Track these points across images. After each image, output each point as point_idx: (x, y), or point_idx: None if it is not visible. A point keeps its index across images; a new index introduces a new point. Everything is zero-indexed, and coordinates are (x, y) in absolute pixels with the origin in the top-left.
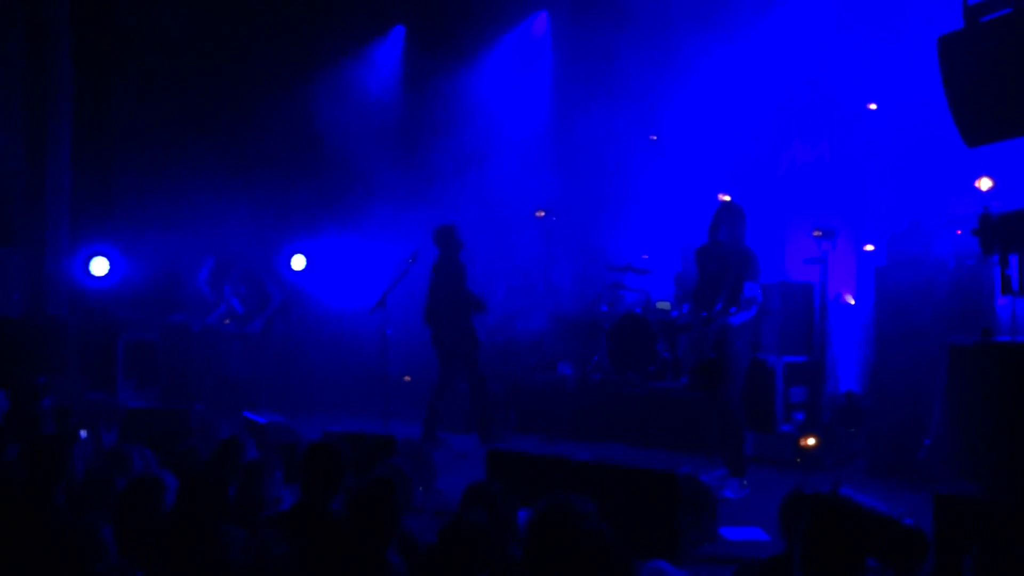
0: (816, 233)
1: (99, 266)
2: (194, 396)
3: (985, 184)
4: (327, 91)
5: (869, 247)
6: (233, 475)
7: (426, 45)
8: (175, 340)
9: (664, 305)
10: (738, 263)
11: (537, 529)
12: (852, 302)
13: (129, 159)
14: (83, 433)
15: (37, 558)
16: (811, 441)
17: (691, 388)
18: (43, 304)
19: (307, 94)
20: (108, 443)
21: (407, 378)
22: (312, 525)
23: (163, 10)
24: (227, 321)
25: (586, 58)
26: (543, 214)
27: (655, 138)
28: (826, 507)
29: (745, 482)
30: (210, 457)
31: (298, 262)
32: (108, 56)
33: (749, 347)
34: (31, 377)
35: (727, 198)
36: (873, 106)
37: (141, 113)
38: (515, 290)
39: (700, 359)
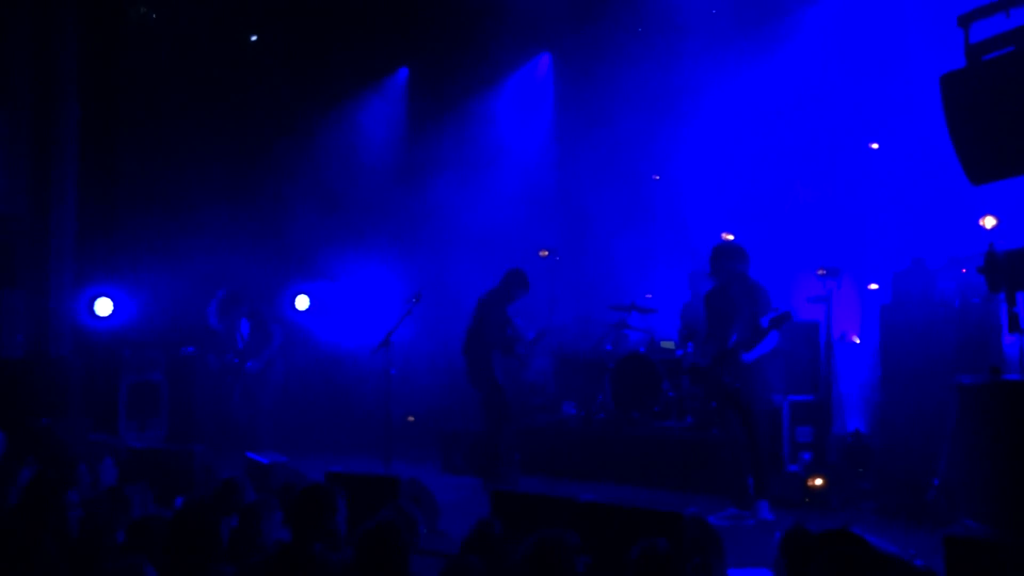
0: (820, 272)
1: (103, 306)
2: (197, 437)
3: (989, 222)
4: (332, 132)
5: (874, 286)
6: (230, 515)
7: (430, 87)
8: (183, 376)
9: (668, 344)
10: (746, 298)
11: (528, 565)
12: (857, 341)
13: (134, 200)
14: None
15: None
16: (818, 481)
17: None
18: (46, 345)
19: (312, 135)
20: (108, 484)
21: (410, 418)
22: (297, 568)
23: (170, 52)
24: (235, 359)
25: (589, 98)
26: (547, 253)
27: (658, 177)
28: (839, 547)
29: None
30: (211, 497)
31: (302, 302)
32: (114, 97)
33: (765, 381)
34: (33, 419)
35: (730, 237)
36: (875, 145)
37: (147, 154)
38: (518, 330)
39: (713, 399)
